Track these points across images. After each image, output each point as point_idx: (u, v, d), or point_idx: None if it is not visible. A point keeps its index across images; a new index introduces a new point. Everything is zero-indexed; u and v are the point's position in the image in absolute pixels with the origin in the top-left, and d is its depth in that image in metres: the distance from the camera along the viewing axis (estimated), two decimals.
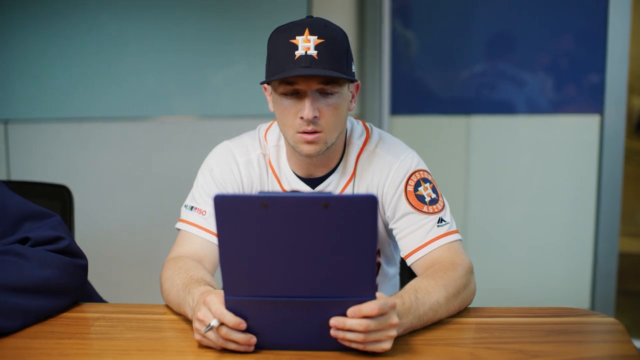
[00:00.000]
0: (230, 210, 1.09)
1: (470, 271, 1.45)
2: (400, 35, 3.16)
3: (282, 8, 2.96)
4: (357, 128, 1.63)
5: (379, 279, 1.73)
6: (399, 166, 1.56)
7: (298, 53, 1.39)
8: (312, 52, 1.39)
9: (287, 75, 1.39)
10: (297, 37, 1.40)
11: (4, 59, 2.97)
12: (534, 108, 3.23)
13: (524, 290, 3.31)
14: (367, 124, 1.66)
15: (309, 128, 1.44)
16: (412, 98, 3.22)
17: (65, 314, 1.43)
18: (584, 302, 3.30)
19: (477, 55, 3.21)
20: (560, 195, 3.27)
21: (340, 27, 1.50)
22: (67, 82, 3.02)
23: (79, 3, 2.97)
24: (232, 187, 1.60)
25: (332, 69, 1.40)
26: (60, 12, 2.96)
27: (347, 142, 1.60)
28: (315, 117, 1.42)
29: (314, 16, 1.49)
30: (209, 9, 3.03)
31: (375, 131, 1.64)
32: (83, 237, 2.09)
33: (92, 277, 1.81)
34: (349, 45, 1.47)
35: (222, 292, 1.19)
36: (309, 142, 1.46)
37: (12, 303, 1.31)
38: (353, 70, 1.49)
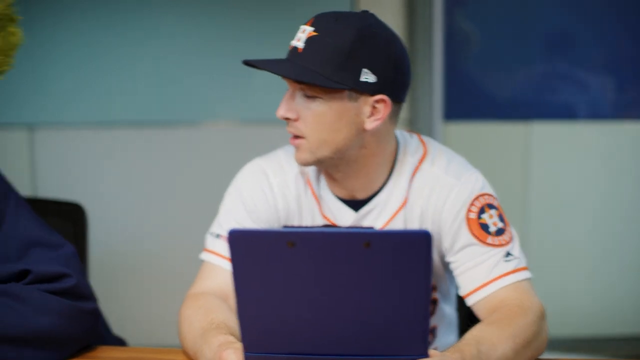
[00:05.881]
0: (250, 248, 0.95)
1: (542, 317, 1.27)
2: (454, 32, 3.08)
3: (327, 3, 2.81)
4: (411, 143, 1.44)
5: (436, 319, 1.55)
6: (460, 189, 1.37)
7: (292, 43, 1.31)
8: (300, 44, 1.29)
9: (254, 63, 1.30)
10: (303, 25, 1.31)
11: (32, 57, 2.81)
12: (600, 113, 3.19)
13: (589, 310, 3.25)
14: (423, 137, 1.46)
15: (289, 129, 1.33)
16: (467, 102, 3.15)
17: None
18: None
19: (539, 55, 3.13)
20: (628, 208, 3.22)
21: (389, 26, 1.32)
22: (100, 83, 2.91)
23: None
24: (265, 213, 1.43)
25: (314, 68, 1.25)
26: (94, 7, 2.87)
27: (396, 159, 1.41)
28: (288, 118, 1.31)
29: (369, 11, 1.33)
30: (250, 2, 2.93)
31: (434, 147, 1.44)
32: (107, 259, 1.96)
33: (114, 309, 1.66)
34: (362, 49, 1.26)
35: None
36: (295, 146, 1.34)
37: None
38: (363, 80, 1.27)
